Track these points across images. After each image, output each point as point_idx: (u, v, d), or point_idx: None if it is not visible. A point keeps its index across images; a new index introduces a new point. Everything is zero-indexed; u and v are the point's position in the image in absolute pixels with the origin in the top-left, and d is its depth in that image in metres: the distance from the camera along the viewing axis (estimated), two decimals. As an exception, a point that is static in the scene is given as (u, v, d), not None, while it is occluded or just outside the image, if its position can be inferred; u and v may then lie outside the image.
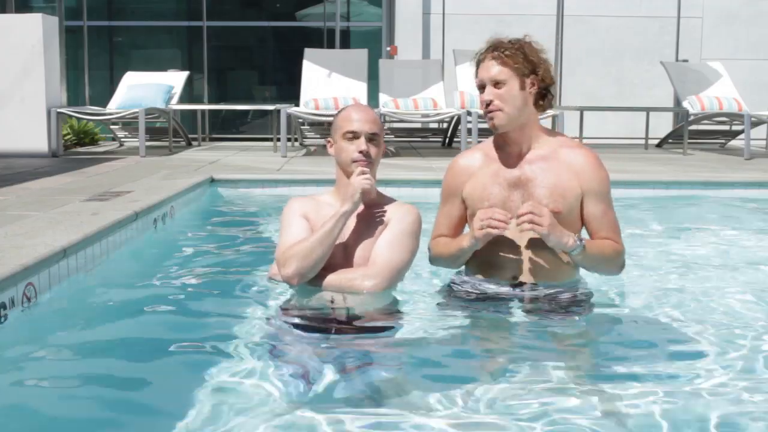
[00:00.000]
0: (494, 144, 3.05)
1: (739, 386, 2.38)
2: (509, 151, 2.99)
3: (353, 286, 2.89)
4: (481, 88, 2.94)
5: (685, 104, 9.69)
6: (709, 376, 2.47)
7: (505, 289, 2.99)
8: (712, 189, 6.63)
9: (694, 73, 10.33)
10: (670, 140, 10.52)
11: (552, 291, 2.98)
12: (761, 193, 6.54)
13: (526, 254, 2.96)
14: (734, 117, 9.83)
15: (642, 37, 11.94)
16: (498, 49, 2.91)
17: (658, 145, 10.54)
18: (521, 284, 2.98)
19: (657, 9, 11.84)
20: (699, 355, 2.66)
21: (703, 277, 3.86)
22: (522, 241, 2.93)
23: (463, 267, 3.16)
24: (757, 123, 9.42)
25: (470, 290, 3.05)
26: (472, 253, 3.01)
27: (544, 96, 2.96)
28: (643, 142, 10.46)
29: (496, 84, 2.89)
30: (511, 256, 2.97)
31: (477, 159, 3.06)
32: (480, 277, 3.07)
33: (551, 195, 2.90)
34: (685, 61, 11.30)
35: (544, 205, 2.87)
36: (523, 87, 2.90)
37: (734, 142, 10.51)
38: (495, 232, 2.81)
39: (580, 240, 2.85)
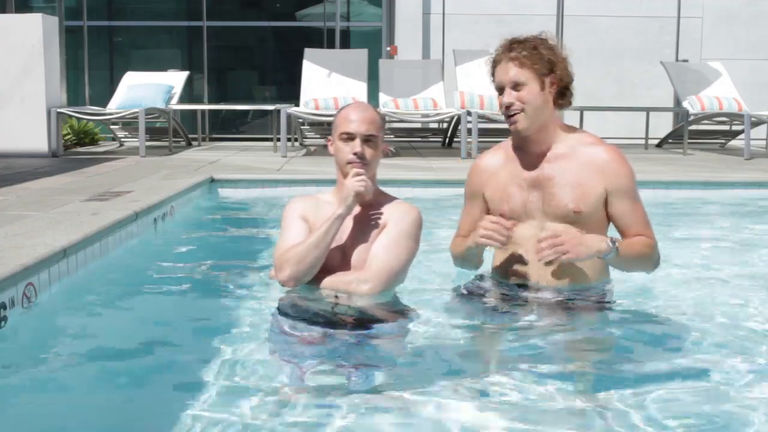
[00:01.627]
0: (513, 144, 2.99)
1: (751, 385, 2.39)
2: (528, 151, 2.93)
3: (348, 290, 2.87)
4: (500, 90, 2.88)
5: (685, 104, 9.69)
6: (722, 375, 2.46)
7: (526, 293, 2.95)
8: (712, 189, 6.63)
9: (694, 73, 10.33)
10: (670, 140, 10.52)
11: (573, 295, 2.93)
12: (762, 193, 6.54)
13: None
14: (734, 117, 9.83)
15: (642, 37, 11.93)
16: (515, 50, 2.84)
17: (658, 145, 10.54)
18: (540, 288, 2.94)
19: (657, 9, 11.84)
20: (713, 357, 2.65)
21: (703, 279, 3.85)
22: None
23: (484, 270, 3.13)
24: (757, 123, 9.42)
25: (488, 292, 3.03)
26: (481, 255, 2.98)
27: (563, 94, 2.90)
28: (643, 142, 10.46)
29: (516, 86, 2.83)
30: (533, 260, 2.90)
31: (498, 159, 3.02)
32: (499, 279, 3.04)
33: (572, 195, 2.85)
34: (685, 61, 11.30)
35: (564, 205, 2.83)
36: (542, 87, 2.84)
37: (734, 142, 10.51)
38: (494, 244, 2.78)
39: (613, 242, 2.77)
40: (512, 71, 2.83)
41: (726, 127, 10.64)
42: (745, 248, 4.68)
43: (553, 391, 2.31)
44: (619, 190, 2.87)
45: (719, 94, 9.84)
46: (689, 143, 9.60)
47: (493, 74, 2.92)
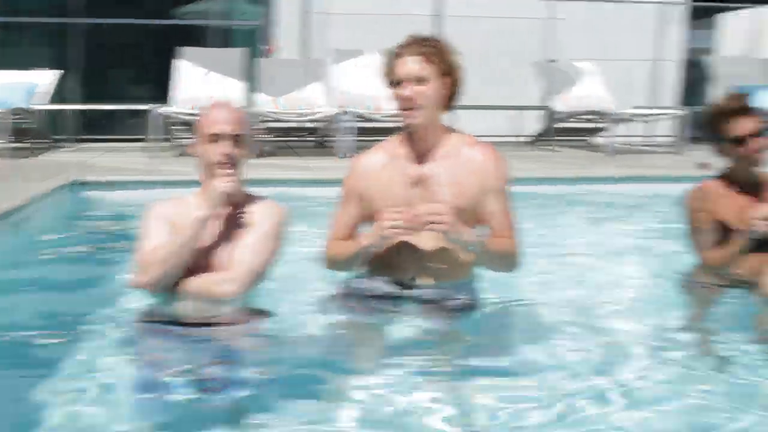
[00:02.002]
0: (398, 142, 3.01)
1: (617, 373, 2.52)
2: (413, 150, 2.96)
3: (211, 292, 2.82)
4: (398, 83, 2.88)
5: (555, 103, 10.02)
6: (589, 367, 2.59)
7: (400, 290, 2.97)
8: (580, 184, 6.92)
9: (562, 73, 10.70)
10: (541, 138, 10.85)
11: (447, 291, 2.98)
12: (625, 188, 6.85)
13: (424, 255, 2.94)
14: (599, 115, 10.24)
15: (513, 37, 12.23)
16: (421, 46, 2.87)
17: (531, 143, 10.86)
18: (416, 285, 2.97)
19: (528, 10, 12.16)
20: (574, 350, 2.79)
21: (574, 270, 4.00)
22: (421, 242, 2.91)
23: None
24: (620, 120, 9.89)
25: (362, 291, 3.03)
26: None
27: (452, 98, 2.96)
28: (516, 140, 10.75)
29: (419, 81, 2.85)
30: (408, 256, 2.94)
31: (379, 158, 3.02)
32: (375, 276, 3.04)
33: (452, 192, 2.89)
34: (554, 61, 11.65)
35: (446, 203, 2.85)
36: (440, 87, 2.89)
37: (600, 139, 10.93)
38: (403, 234, 2.77)
39: (479, 237, 2.84)
40: (417, 66, 2.85)
41: (592, 125, 11.05)
42: (611, 242, 4.88)
43: (426, 388, 2.37)
44: (493, 190, 2.94)
45: (586, 93, 10.25)
46: (559, 141, 9.92)
47: (390, 67, 2.92)
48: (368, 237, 2.88)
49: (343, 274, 3.17)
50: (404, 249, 2.94)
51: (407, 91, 2.85)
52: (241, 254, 2.87)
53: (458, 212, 2.83)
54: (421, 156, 2.96)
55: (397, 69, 2.89)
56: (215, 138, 2.87)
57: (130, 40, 13.44)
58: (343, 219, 3.06)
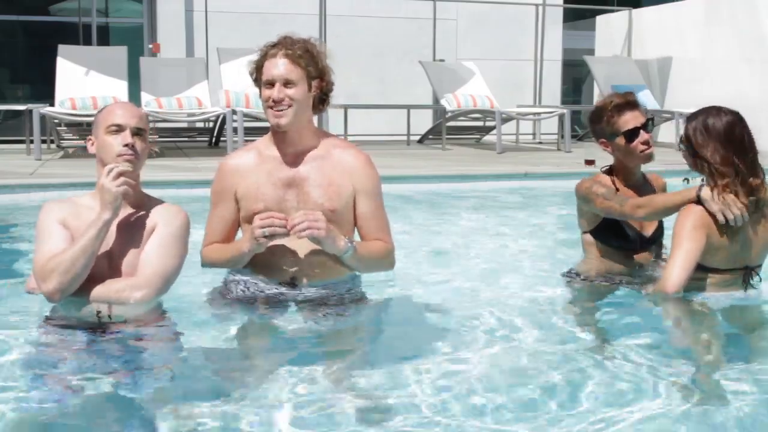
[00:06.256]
0: (268, 143, 3.01)
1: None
2: (284, 151, 2.97)
3: (121, 298, 2.74)
4: (269, 83, 2.88)
5: (443, 102, 10.21)
6: (475, 357, 2.65)
7: (282, 290, 2.98)
8: (468, 182, 7.10)
9: (450, 72, 10.90)
10: (430, 136, 11.04)
11: (327, 290, 3.00)
12: (510, 185, 7.07)
13: (302, 255, 2.95)
14: (487, 114, 10.51)
15: (402, 37, 12.39)
16: (291, 48, 2.88)
17: (420, 141, 11.03)
18: (297, 285, 2.98)
19: (415, 11, 12.34)
20: (465, 339, 2.85)
21: (462, 265, 4.10)
22: (297, 243, 2.91)
23: (237, 270, 3.09)
24: (507, 119, 10.15)
25: (246, 292, 3.01)
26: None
27: (323, 101, 2.99)
28: (405, 138, 10.90)
29: (287, 83, 2.86)
30: (286, 257, 2.95)
31: (249, 159, 3.01)
32: (256, 278, 3.03)
33: (326, 194, 2.92)
34: (442, 60, 11.87)
35: (319, 204, 2.89)
36: (309, 89, 2.90)
37: (488, 137, 11.21)
38: (276, 238, 2.79)
39: (351, 243, 2.87)
40: (286, 68, 2.86)
41: (480, 123, 11.32)
42: (497, 237, 5.03)
43: (324, 385, 2.39)
44: (365, 191, 2.99)
45: (473, 92, 10.47)
46: (448, 139, 10.12)
47: (259, 67, 2.92)
48: (244, 242, 2.89)
49: (221, 272, 3.15)
50: (282, 251, 2.94)
51: (275, 92, 2.87)
52: (148, 259, 2.79)
53: (332, 215, 2.88)
54: (292, 157, 2.97)
55: (265, 69, 2.91)
56: (117, 129, 2.79)
57: (2, 38, 12.91)
58: (217, 222, 3.04)
